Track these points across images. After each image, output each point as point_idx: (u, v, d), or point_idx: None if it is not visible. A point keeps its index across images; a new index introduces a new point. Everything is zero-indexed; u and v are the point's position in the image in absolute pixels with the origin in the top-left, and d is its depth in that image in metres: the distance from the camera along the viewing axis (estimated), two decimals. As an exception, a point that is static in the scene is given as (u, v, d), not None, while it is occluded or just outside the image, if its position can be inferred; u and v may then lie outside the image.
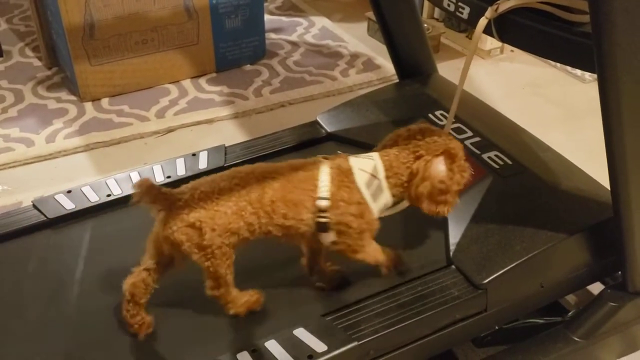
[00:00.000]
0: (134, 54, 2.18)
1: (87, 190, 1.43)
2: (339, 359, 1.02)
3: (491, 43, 2.43)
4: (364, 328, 1.06)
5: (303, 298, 1.15)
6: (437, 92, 1.64)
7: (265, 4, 2.72)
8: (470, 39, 2.46)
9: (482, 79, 2.31)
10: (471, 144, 1.40)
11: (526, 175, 1.31)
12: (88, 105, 2.16)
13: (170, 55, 2.25)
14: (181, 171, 1.46)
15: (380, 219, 1.08)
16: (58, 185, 1.64)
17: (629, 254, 1.14)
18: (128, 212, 1.39)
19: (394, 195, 1.06)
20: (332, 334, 1.05)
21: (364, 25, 2.65)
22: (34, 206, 1.38)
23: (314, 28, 2.67)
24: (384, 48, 1.76)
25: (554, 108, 2.17)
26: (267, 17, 2.57)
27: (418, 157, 1.02)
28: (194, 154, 1.51)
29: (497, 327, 1.18)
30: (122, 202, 1.41)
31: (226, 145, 1.56)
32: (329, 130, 1.60)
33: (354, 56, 2.46)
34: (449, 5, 1.24)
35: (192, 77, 2.32)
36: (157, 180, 1.44)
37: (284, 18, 2.75)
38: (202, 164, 1.48)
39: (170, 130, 2.06)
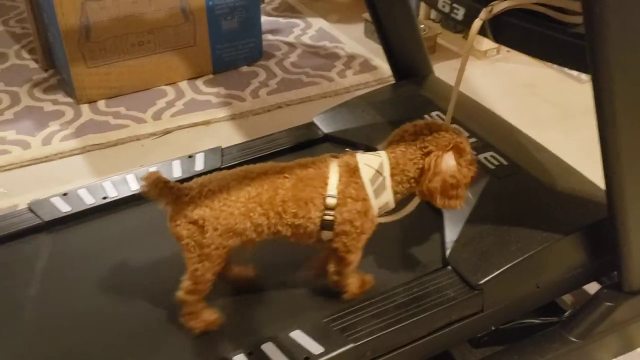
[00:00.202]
0: (130, 56, 2.18)
1: (83, 193, 1.43)
2: (336, 360, 1.02)
3: (487, 44, 2.43)
4: (360, 330, 1.06)
5: (300, 300, 1.15)
6: (433, 93, 1.64)
7: (262, 5, 2.72)
8: (466, 39, 2.46)
9: (479, 80, 2.31)
10: (467, 144, 1.40)
11: (522, 175, 1.31)
12: (84, 108, 2.16)
13: (167, 57, 2.25)
14: (177, 173, 1.46)
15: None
16: (54, 188, 1.64)
17: (624, 254, 1.15)
18: (124, 215, 1.39)
19: (398, 193, 1.06)
20: (329, 336, 1.05)
21: (360, 27, 2.65)
22: (30, 209, 1.37)
23: (311, 29, 2.67)
24: (380, 49, 1.76)
25: (550, 108, 2.17)
26: (263, 18, 2.57)
27: (427, 153, 1.03)
28: (190, 156, 1.51)
29: (493, 328, 1.18)
30: (118, 205, 1.41)
31: (222, 146, 1.56)
32: (325, 131, 1.60)
33: (351, 57, 2.46)
34: (443, 6, 1.25)
35: (188, 79, 2.31)
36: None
37: (280, 19, 2.75)
38: (199, 165, 1.48)
39: (167, 132, 2.06)
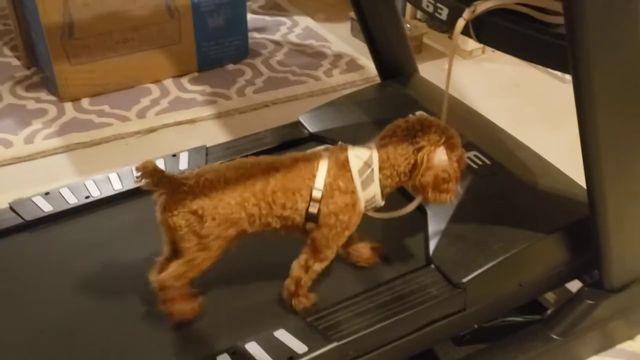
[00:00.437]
0: (114, 54, 2.16)
1: (65, 192, 1.41)
2: (319, 359, 1.02)
3: (473, 44, 2.44)
4: (344, 328, 1.06)
5: (283, 299, 1.15)
6: (418, 92, 1.65)
7: (248, 3, 2.71)
8: (451, 39, 2.47)
9: (464, 80, 2.32)
10: (451, 144, 1.41)
11: (504, 175, 1.32)
12: (68, 106, 2.14)
13: (152, 55, 2.23)
14: (161, 172, 1.45)
15: (363, 219, 1.09)
16: (36, 187, 1.62)
17: (605, 253, 1.16)
18: (107, 214, 1.38)
19: (386, 187, 1.07)
20: (312, 335, 1.05)
21: (347, 26, 2.66)
22: (11, 208, 1.36)
23: (297, 28, 2.67)
24: (367, 48, 1.76)
25: (534, 108, 2.18)
26: (250, 16, 2.56)
27: (419, 148, 1.03)
28: (174, 155, 1.51)
29: (476, 326, 1.19)
30: (101, 204, 1.40)
31: (207, 145, 1.55)
32: (311, 130, 1.60)
33: (338, 56, 2.46)
34: (427, 6, 1.25)
35: (174, 77, 2.30)
36: (136, 182, 1.43)
37: (267, 17, 2.74)
38: (183, 164, 1.48)
39: (151, 130, 2.05)
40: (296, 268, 1.10)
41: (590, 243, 1.17)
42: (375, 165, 1.05)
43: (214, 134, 2.02)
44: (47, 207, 1.37)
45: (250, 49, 2.45)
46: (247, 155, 1.48)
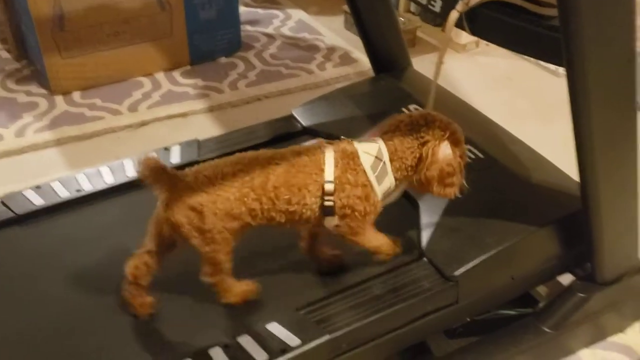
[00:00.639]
0: (105, 47, 2.15)
1: (56, 186, 1.40)
2: (312, 352, 1.02)
3: (466, 37, 2.44)
4: (336, 321, 1.06)
5: (276, 292, 1.15)
6: (411, 86, 1.64)
7: (241, -4, 2.70)
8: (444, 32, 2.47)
9: (457, 73, 2.32)
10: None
11: (497, 168, 1.32)
12: (59, 99, 2.13)
13: (143, 48, 2.22)
14: (153, 165, 1.44)
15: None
16: (28, 181, 1.61)
17: (597, 246, 1.16)
18: (98, 208, 1.37)
19: (396, 179, 1.07)
20: (305, 328, 1.05)
21: (340, 19, 2.65)
22: (2, 202, 1.35)
23: (290, 21, 2.66)
24: (360, 41, 1.75)
25: (528, 102, 2.19)
26: (242, 8, 2.54)
27: (424, 143, 1.04)
28: (166, 148, 1.50)
29: (469, 319, 1.19)
30: (92, 198, 1.39)
31: (199, 139, 1.55)
32: (304, 124, 1.60)
33: (331, 50, 2.45)
34: (421, -2, 1.25)
35: (165, 70, 2.29)
36: (128, 176, 1.42)
37: (259, 10, 2.73)
38: (175, 158, 1.47)
39: (143, 124, 2.04)
40: (369, 249, 1.10)
41: (582, 236, 1.18)
42: (386, 157, 1.05)
43: (206, 128, 2.01)
44: (38, 201, 1.36)
45: (242, 42, 2.44)
46: (241, 149, 1.50)
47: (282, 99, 2.17)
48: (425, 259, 1.16)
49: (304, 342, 1.02)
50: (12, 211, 1.33)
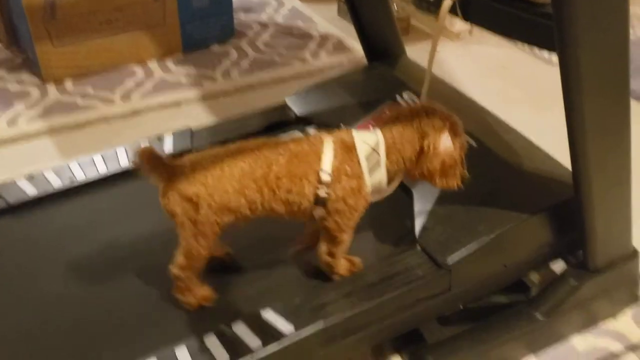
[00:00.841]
0: (98, 35, 2.13)
1: (49, 175, 1.40)
2: (306, 339, 1.03)
3: (460, 25, 2.43)
4: (330, 309, 1.07)
5: (271, 280, 1.15)
6: (405, 74, 1.64)
7: (234, -17, 2.67)
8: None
9: (451, 61, 2.32)
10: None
11: (491, 156, 1.32)
12: (51, 88, 2.11)
13: (136, 36, 2.20)
14: (146, 154, 1.44)
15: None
16: (20, 171, 1.60)
17: (589, 233, 1.17)
18: (92, 198, 1.37)
19: (390, 172, 1.07)
20: (299, 315, 1.06)
21: (334, 7, 2.63)
22: (-6, 192, 1.35)
23: (283, 8, 2.64)
24: (354, 30, 1.75)
25: (521, 90, 2.19)
26: (235, -4, 2.52)
27: (424, 135, 1.03)
28: (159, 137, 1.49)
29: (462, 306, 1.20)
30: (85, 187, 1.38)
31: (193, 128, 1.54)
32: (297, 113, 1.60)
33: (324, 38, 2.44)
34: (414, -15, 1.24)
35: (158, 58, 2.27)
36: (121, 165, 1.42)
37: (253, -2, 2.71)
38: (168, 147, 1.46)
39: (136, 112, 2.02)
40: (322, 257, 1.10)
41: (574, 224, 1.18)
42: (382, 150, 1.04)
43: (199, 116, 2.00)
44: (31, 191, 1.36)
45: (235, 30, 2.42)
46: (234, 138, 1.50)
47: (275, 88, 2.16)
48: (418, 247, 1.17)
49: (297, 329, 1.03)
50: (4, 200, 1.33)
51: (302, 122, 1.57)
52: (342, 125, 1.33)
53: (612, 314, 1.33)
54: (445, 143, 1.03)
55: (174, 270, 1.05)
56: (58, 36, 2.07)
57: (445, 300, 1.15)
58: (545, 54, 2.33)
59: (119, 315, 1.11)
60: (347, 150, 1.04)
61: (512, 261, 1.20)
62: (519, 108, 2.04)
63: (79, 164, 1.42)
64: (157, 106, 2.05)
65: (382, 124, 1.08)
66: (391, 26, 1.70)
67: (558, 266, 1.32)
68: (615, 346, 1.27)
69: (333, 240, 1.08)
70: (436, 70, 1.32)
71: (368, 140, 1.05)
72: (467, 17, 1.17)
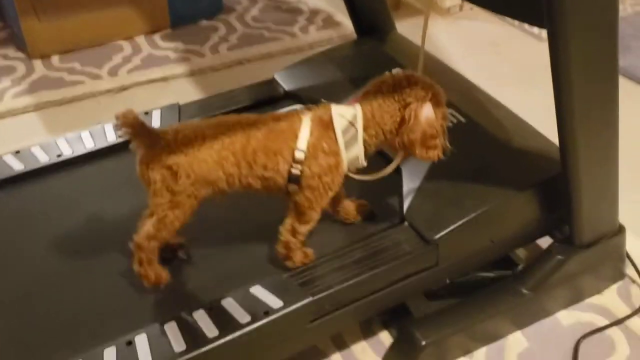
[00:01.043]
0: (84, 9, 2.09)
1: (36, 151, 1.39)
2: (295, 314, 1.04)
3: (450, 1, 2.41)
4: (319, 284, 1.07)
5: (259, 256, 1.16)
6: (395, 50, 1.63)
7: (222, -43, 2.63)
8: (431, -4, 2.44)
9: (441, 37, 2.30)
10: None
11: (479, 133, 1.32)
12: (37, 63, 2.08)
13: (123, 11, 2.16)
14: (134, 130, 1.42)
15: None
16: (7, 147, 1.58)
17: (575, 209, 1.18)
18: (79, 173, 1.36)
19: (370, 146, 1.06)
20: (288, 290, 1.06)
21: (323, -19, 2.60)
22: (-20, 168, 1.33)
23: (272, -17, 2.61)
24: (343, 4, 1.73)
25: (511, 66, 2.18)
26: (224, -30, 2.49)
27: (406, 105, 1.02)
28: (146, 113, 1.48)
29: (448, 281, 1.21)
30: (73, 163, 1.37)
31: (180, 103, 1.53)
32: (286, 88, 1.59)
33: (314, 12, 2.42)
34: (404, -41, 1.22)
35: (146, 34, 2.24)
36: (108, 141, 1.41)
37: (241, -28, 2.67)
38: (155, 122, 1.45)
39: (123, 88, 2.00)
40: (283, 232, 1.09)
41: (561, 200, 1.19)
42: (360, 125, 1.04)
43: (187, 92, 1.98)
44: (18, 166, 1.35)
45: (224, 4, 2.39)
46: (222, 113, 1.49)
47: (264, 63, 2.15)
48: (406, 223, 1.17)
49: (286, 304, 1.03)
50: (-10, 176, 1.32)
51: (291, 97, 1.56)
52: (330, 101, 1.32)
53: (598, 290, 1.35)
54: (426, 112, 1.02)
55: (139, 239, 1.04)
56: (44, 11, 2.03)
57: (433, 275, 1.16)
58: (535, 30, 2.32)
59: (104, 289, 1.11)
60: (325, 127, 1.04)
61: (499, 236, 1.21)
62: (509, 84, 2.04)
63: (66, 140, 1.41)
64: (144, 82, 2.03)
65: (364, 93, 1.07)
66: (381, 1, 1.69)
67: (545, 242, 1.33)
68: (601, 321, 1.29)
69: (301, 216, 1.08)
70: (426, 46, 1.31)
71: (345, 114, 1.05)
72: (457, -8, 1.16)
